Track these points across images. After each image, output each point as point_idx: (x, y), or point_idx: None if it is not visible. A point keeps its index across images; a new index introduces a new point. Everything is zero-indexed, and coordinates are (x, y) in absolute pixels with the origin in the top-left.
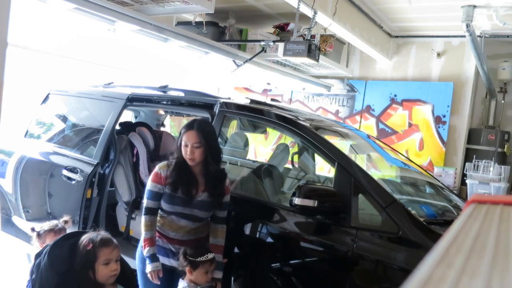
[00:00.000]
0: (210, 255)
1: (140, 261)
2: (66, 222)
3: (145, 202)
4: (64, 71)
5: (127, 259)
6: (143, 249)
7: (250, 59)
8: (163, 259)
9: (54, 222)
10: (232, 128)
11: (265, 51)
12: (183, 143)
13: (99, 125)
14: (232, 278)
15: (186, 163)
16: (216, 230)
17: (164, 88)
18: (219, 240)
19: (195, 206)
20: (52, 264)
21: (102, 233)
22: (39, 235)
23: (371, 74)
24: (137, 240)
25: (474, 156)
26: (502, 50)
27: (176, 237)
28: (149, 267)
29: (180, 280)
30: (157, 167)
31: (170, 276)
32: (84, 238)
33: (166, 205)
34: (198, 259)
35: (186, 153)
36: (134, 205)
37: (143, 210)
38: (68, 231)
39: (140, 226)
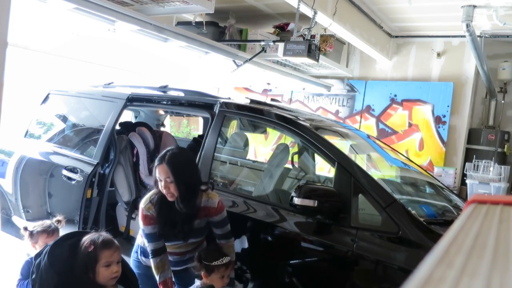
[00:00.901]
0: (226, 259)
1: (135, 265)
2: (59, 221)
3: (148, 245)
4: (64, 71)
5: (128, 259)
6: None
7: (250, 59)
8: None
9: (47, 222)
10: (232, 128)
11: (265, 51)
12: (157, 178)
13: (99, 125)
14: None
15: (166, 198)
16: (221, 246)
17: (164, 88)
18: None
19: (189, 236)
20: (52, 264)
21: (104, 235)
22: (31, 234)
23: (371, 74)
24: None
25: (474, 156)
26: (502, 50)
27: (175, 251)
28: None
29: (196, 280)
30: (144, 208)
31: None
32: (86, 239)
33: (162, 242)
34: (213, 264)
35: (162, 188)
36: (134, 205)
37: (150, 253)
38: (61, 230)
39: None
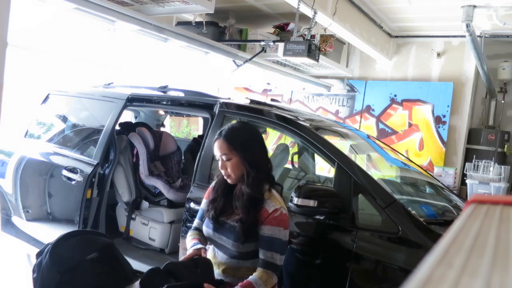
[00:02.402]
0: None
1: None
2: None
3: (195, 221)
4: (64, 71)
5: (128, 259)
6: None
7: (250, 59)
8: None
9: None
10: None
11: (265, 51)
12: (215, 156)
13: (99, 125)
14: None
15: (226, 181)
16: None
17: (164, 88)
18: (255, 279)
19: (223, 232)
20: (54, 263)
21: None
22: None
23: (371, 74)
24: (137, 241)
25: (474, 156)
26: (502, 50)
27: (217, 276)
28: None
29: None
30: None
31: None
32: None
33: (201, 223)
34: None
35: (220, 168)
36: (134, 205)
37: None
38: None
39: (140, 227)
